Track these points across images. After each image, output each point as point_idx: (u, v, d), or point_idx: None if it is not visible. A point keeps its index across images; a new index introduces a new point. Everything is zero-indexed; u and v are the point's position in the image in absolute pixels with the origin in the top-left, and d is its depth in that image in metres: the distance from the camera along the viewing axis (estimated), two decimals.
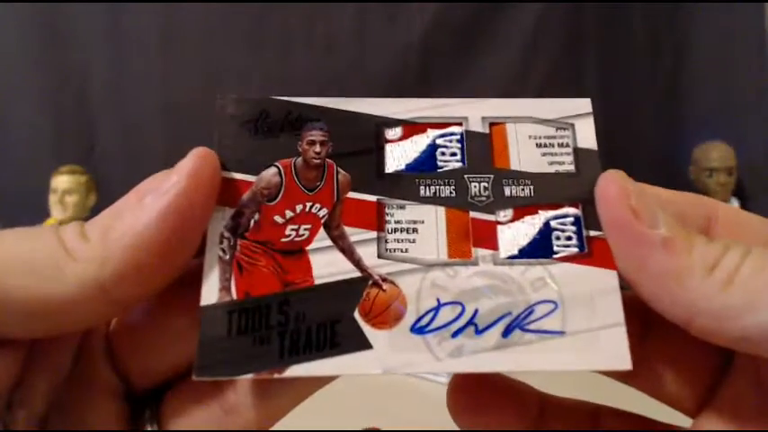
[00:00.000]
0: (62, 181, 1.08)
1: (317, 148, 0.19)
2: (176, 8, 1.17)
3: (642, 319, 0.19)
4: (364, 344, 0.17)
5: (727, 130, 1.12)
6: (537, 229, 0.19)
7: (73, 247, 0.16)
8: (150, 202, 0.16)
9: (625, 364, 0.17)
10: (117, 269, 0.16)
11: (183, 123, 1.11)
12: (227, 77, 1.15)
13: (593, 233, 0.19)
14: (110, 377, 0.19)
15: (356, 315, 0.18)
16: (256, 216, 0.19)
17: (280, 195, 0.19)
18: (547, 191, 0.19)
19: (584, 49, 1.12)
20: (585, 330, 0.17)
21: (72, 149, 1.18)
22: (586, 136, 0.20)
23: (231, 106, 0.20)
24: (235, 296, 0.18)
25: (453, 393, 0.20)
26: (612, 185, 0.18)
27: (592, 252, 0.18)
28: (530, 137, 0.20)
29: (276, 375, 0.17)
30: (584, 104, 0.21)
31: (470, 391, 0.20)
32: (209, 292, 0.18)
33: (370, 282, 0.18)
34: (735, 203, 1.10)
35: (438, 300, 0.18)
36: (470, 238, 0.19)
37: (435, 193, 0.19)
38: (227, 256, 0.18)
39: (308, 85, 1.11)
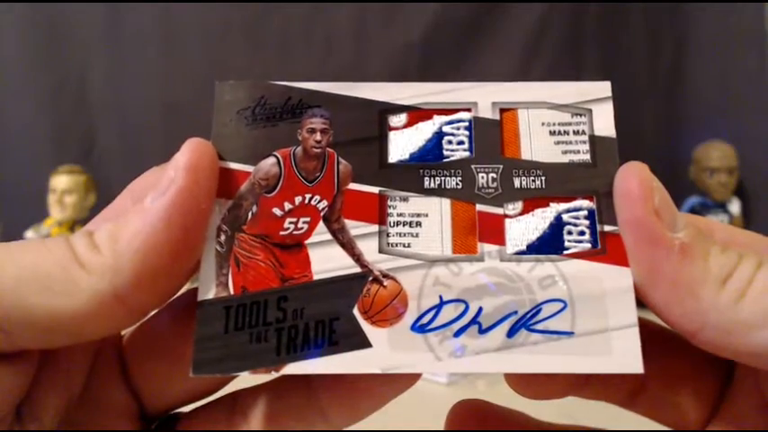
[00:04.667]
0: (61, 181, 1.07)
1: (318, 137, 0.18)
2: (176, 8, 1.17)
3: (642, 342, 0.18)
4: (363, 342, 0.17)
5: (728, 130, 1.12)
6: (548, 224, 0.18)
7: (85, 259, 0.16)
8: (152, 202, 0.16)
9: (637, 367, 0.16)
10: (131, 277, 0.15)
11: (182, 123, 1.11)
12: (227, 77, 1.14)
13: (607, 228, 0.17)
14: (123, 398, 0.19)
15: (355, 312, 0.17)
16: (254, 208, 0.18)
17: (278, 186, 0.18)
18: (560, 182, 0.18)
19: (584, 49, 1.12)
20: (596, 331, 0.16)
21: (72, 149, 1.18)
22: (605, 123, 0.19)
23: (229, 92, 0.19)
24: (232, 292, 0.17)
25: (450, 425, 0.20)
26: (634, 180, 0.17)
27: (605, 248, 0.17)
28: (543, 124, 0.19)
29: (273, 373, 0.17)
30: (604, 88, 0.19)
31: (467, 423, 0.20)
32: (206, 288, 0.17)
33: (371, 278, 0.17)
34: (736, 203, 1.10)
35: (441, 297, 0.17)
36: (476, 232, 0.18)
37: (440, 184, 0.18)
38: (225, 250, 0.18)
39: None
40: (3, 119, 1.18)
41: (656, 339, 0.17)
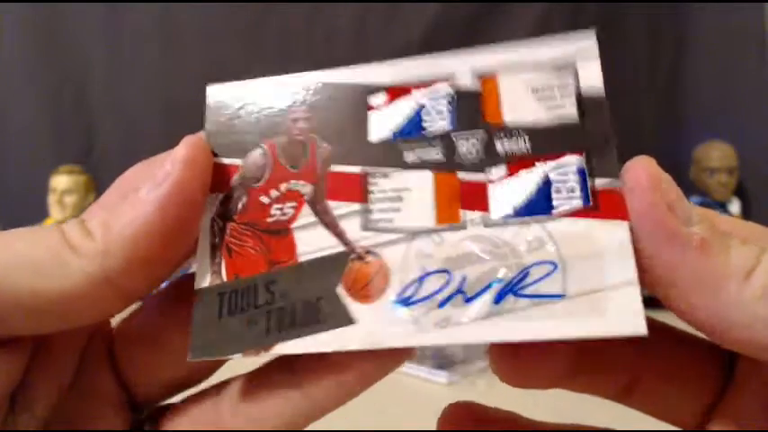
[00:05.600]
0: (61, 181, 1.08)
1: (300, 124, 0.19)
2: (176, 8, 1.17)
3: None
4: (347, 319, 0.16)
5: (728, 130, 1.12)
6: (534, 184, 0.17)
7: (77, 243, 0.16)
8: (147, 193, 0.16)
9: (638, 328, 0.15)
10: (122, 262, 0.16)
11: (182, 123, 1.11)
12: (227, 77, 1.14)
13: (599, 182, 0.16)
14: (112, 387, 0.19)
15: (339, 290, 0.17)
16: (244, 198, 0.19)
17: (265, 176, 0.19)
18: (546, 142, 0.17)
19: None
20: (590, 291, 0.15)
21: (72, 149, 1.18)
22: (591, 76, 0.18)
23: (217, 92, 0.20)
24: (225, 279, 0.18)
25: (443, 426, 0.19)
26: (644, 173, 0.16)
27: (598, 204, 0.16)
28: (525, 84, 0.18)
29: (263, 353, 0.17)
30: (588, 38, 0.18)
31: (461, 425, 0.20)
32: (202, 277, 0.18)
33: (353, 255, 0.17)
34: (736, 203, 1.10)
35: (423, 268, 0.17)
36: (459, 200, 0.17)
37: (420, 156, 0.18)
38: (218, 240, 0.18)
39: None
40: (3, 119, 1.18)
41: (651, 332, 0.17)
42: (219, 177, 0.19)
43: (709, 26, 1.16)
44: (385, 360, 0.18)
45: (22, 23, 1.18)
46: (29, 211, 1.09)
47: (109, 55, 1.19)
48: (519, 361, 0.17)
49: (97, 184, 1.11)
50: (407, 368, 0.67)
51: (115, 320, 0.20)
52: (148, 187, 0.17)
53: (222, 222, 0.18)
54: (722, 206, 1.09)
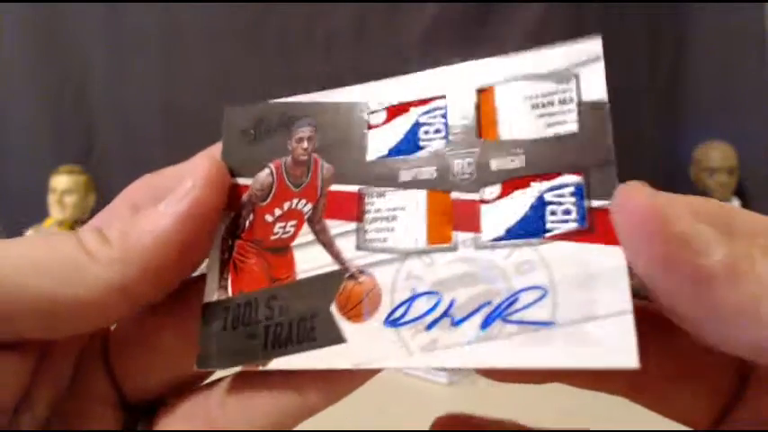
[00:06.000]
0: (61, 181, 1.08)
1: (305, 144, 0.19)
2: (177, 8, 1.17)
3: (650, 329, 0.15)
4: (338, 338, 0.17)
5: (728, 130, 1.12)
6: (528, 205, 0.16)
7: (94, 250, 0.16)
8: (166, 208, 0.17)
9: (630, 360, 0.14)
10: (138, 271, 0.16)
11: (182, 123, 1.11)
12: (227, 77, 1.15)
13: (596, 204, 0.16)
14: (105, 386, 0.19)
15: (333, 308, 0.17)
16: (251, 217, 0.19)
17: (271, 195, 0.19)
18: (542, 159, 0.17)
19: None
20: (581, 320, 0.15)
21: (72, 149, 1.18)
22: (594, 86, 0.17)
23: (234, 114, 0.21)
24: (230, 294, 0.19)
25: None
26: (640, 205, 0.14)
27: (593, 227, 0.15)
28: (524, 97, 0.17)
29: (260, 368, 0.17)
30: (593, 46, 0.17)
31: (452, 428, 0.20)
32: (211, 291, 0.19)
33: (347, 275, 0.17)
34: (736, 203, 1.10)
35: (413, 290, 0.17)
36: (451, 221, 0.17)
37: (415, 176, 0.18)
38: (227, 257, 0.19)
39: (308, 85, 1.11)
40: (3, 119, 1.18)
41: (661, 328, 0.15)
42: (232, 196, 0.19)
43: (709, 26, 1.16)
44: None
45: (22, 23, 1.18)
46: (29, 211, 1.09)
47: (109, 55, 1.19)
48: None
49: (97, 184, 1.11)
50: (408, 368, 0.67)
51: None
52: (168, 202, 0.17)
53: (231, 240, 0.19)
54: None
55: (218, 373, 0.19)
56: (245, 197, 0.19)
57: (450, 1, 1.13)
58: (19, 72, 1.18)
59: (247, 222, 0.19)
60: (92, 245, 0.16)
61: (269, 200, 0.19)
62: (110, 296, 0.16)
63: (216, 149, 0.20)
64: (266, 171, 0.20)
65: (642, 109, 1.14)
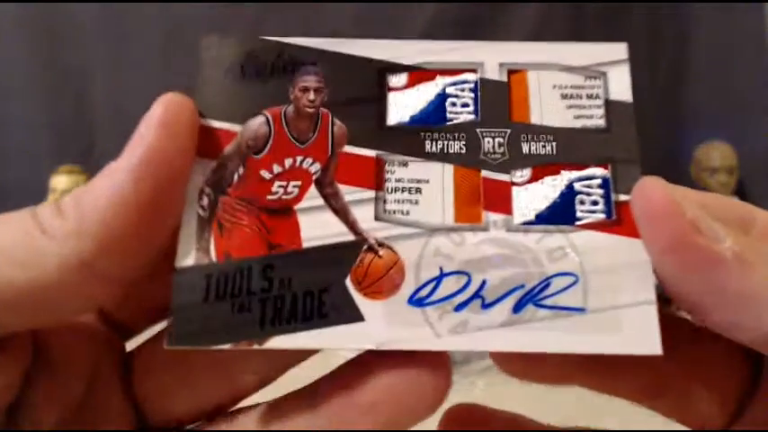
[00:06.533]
0: (61, 181, 1.08)
1: (311, 96, 0.17)
2: (177, 8, 1.17)
3: (668, 334, 0.16)
4: (355, 315, 0.15)
5: (728, 130, 1.12)
6: (558, 192, 0.17)
7: (48, 225, 0.14)
8: (120, 162, 0.15)
9: (654, 347, 0.15)
10: (96, 240, 0.14)
11: None
12: None
13: (622, 197, 0.16)
14: (124, 410, 0.18)
15: (348, 283, 0.16)
16: (240, 170, 0.17)
17: (267, 148, 0.17)
18: (572, 149, 0.17)
19: None
20: (609, 308, 0.15)
21: (72, 149, 1.18)
22: (620, 86, 0.18)
23: (215, 47, 0.18)
24: (214, 258, 0.16)
25: (444, 426, 0.18)
26: (658, 200, 0.15)
27: (620, 219, 0.16)
28: (554, 86, 0.18)
29: (256, 346, 0.15)
30: (619, 50, 0.18)
31: (462, 424, 0.19)
32: (186, 254, 0.16)
33: (365, 246, 0.16)
34: None
35: (441, 269, 0.16)
36: (481, 200, 0.17)
37: (443, 148, 0.17)
38: (207, 214, 0.16)
39: None
40: (3, 119, 1.18)
41: (676, 332, 0.16)
42: (210, 142, 0.17)
43: (709, 26, 1.16)
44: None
45: (22, 23, 1.17)
46: None
47: (109, 55, 1.19)
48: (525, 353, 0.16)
49: None
50: None
51: (135, 342, 0.19)
52: (123, 155, 0.15)
53: (213, 194, 0.17)
54: None
55: (253, 398, 0.17)
56: (231, 146, 0.17)
57: (451, 1, 1.13)
58: (19, 72, 1.18)
59: (236, 176, 0.17)
60: (47, 220, 0.15)
61: (265, 153, 0.17)
62: (72, 275, 0.14)
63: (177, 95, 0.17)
64: (260, 119, 0.17)
65: (642, 109, 1.14)
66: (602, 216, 0.16)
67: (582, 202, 0.17)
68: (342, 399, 0.15)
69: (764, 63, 1.15)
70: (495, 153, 0.17)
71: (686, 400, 0.18)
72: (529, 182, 0.17)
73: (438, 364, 0.15)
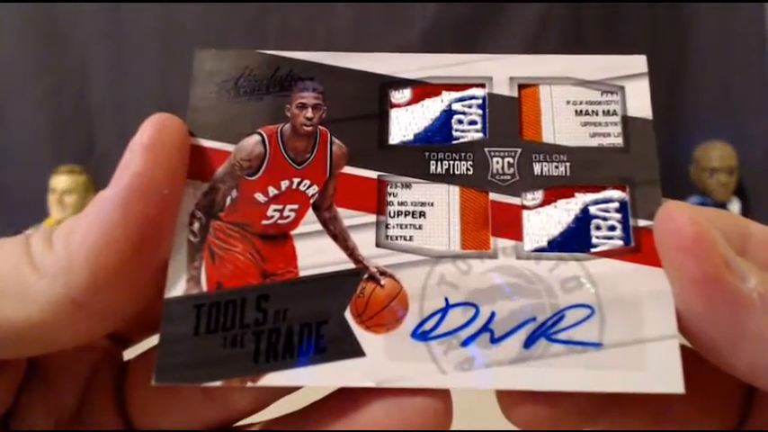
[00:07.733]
0: (61, 181, 1.08)
1: (309, 113, 0.16)
2: (176, 8, 1.17)
3: None
4: (355, 350, 0.14)
5: (728, 130, 1.12)
6: (572, 217, 0.16)
7: (38, 260, 0.14)
8: (108, 190, 0.14)
9: (677, 385, 0.14)
10: (86, 278, 0.14)
11: None
12: None
13: (642, 223, 0.15)
14: (116, 424, 0.17)
15: (347, 315, 0.15)
16: (234, 193, 0.16)
17: (262, 169, 0.16)
18: (587, 169, 0.16)
19: (583, 48, 1.12)
20: (629, 343, 0.14)
21: (71, 149, 1.18)
22: (639, 102, 0.16)
23: (210, 61, 0.17)
24: (204, 288, 0.15)
25: None
26: (684, 224, 0.14)
27: (640, 246, 0.15)
28: (568, 102, 0.17)
29: (249, 384, 0.14)
30: (638, 62, 0.17)
31: None
32: (175, 283, 0.15)
33: (366, 275, 0.15)
34: (736, 203, 1.10)
35: (446, 299, 0.15)
36: (489, 225, 0.16)
37: (449, 169, 0.16)
38: (198, 240, 0.15)
39: None
40: (3, 119, 1.18)
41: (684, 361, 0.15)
42: (202, 163, 0.16)
43: (709, 26, 1.16)
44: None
45: (22, 23, 1.17)
46: (29, 211, 1.09)
47: (109, 55, 1.19)
48: (533, 396, 0.15)
49: (97, 184, 1.11)
50: None
51: (133, 351, 0.19)
52: (110, 183, 0.14)
53: (205, 218, 0.16)
54: (722, 206, 1.09)
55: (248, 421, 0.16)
56: (223, 167, 0.16)
57: (451, 1, 1.13)
58: (19, 72, 1.18)
59: (228, 199, 0.16)
60: (37, 254, 0.14)
61: (259, 174, 0.16)
62: (63, 313, 0.14)
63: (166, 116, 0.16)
64: (255, 138, 0.16)
65: None
66: (619, 243, 0.15)
67: (598, 228, 0.16)
68: (336, 423, 0.15)
69: (764, 63, 1.15)
70: (504, 174, 0.16)
71: (688, 423, 0.17)
72: (540, 205, 0.16)
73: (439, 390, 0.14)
